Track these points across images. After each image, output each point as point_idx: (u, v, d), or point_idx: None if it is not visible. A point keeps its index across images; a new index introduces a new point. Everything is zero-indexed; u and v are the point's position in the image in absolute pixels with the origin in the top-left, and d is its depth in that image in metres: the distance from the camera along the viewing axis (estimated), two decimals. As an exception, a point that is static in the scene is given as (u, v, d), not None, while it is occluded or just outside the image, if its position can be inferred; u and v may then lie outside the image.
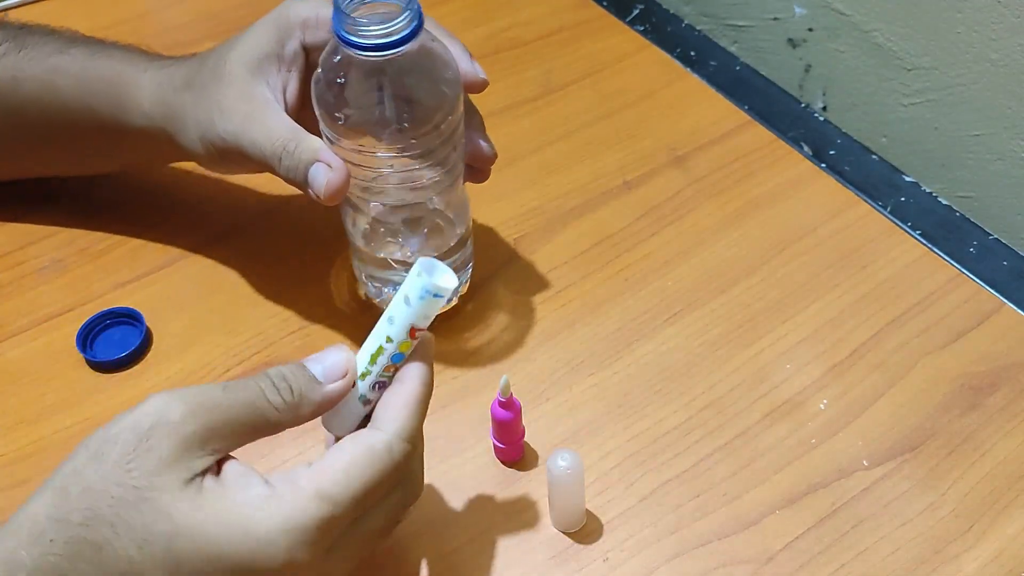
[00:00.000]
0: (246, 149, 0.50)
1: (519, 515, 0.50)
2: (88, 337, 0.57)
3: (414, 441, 0.40)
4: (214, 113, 0.51)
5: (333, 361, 0.40)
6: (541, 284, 0.61)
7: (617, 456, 0.52)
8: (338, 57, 0.48)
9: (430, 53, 0.49)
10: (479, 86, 0.52)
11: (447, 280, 0.40)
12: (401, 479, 0.40)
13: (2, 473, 0.52)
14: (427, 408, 0.41)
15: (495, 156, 0.55)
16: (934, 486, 0.50)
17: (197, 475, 0.36)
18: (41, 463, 0.52)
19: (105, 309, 0.58)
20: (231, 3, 0.83)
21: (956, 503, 0.50)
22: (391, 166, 0.50)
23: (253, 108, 0.50)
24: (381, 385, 0.41)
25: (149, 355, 0.57)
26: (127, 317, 0.58)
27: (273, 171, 0.50)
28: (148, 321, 0.58)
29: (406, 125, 0.49)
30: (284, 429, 0.39)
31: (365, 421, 0.42)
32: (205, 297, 0.60)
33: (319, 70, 0.49)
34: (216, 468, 0.37)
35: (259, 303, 0.59)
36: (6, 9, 0.83)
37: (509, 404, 0.49)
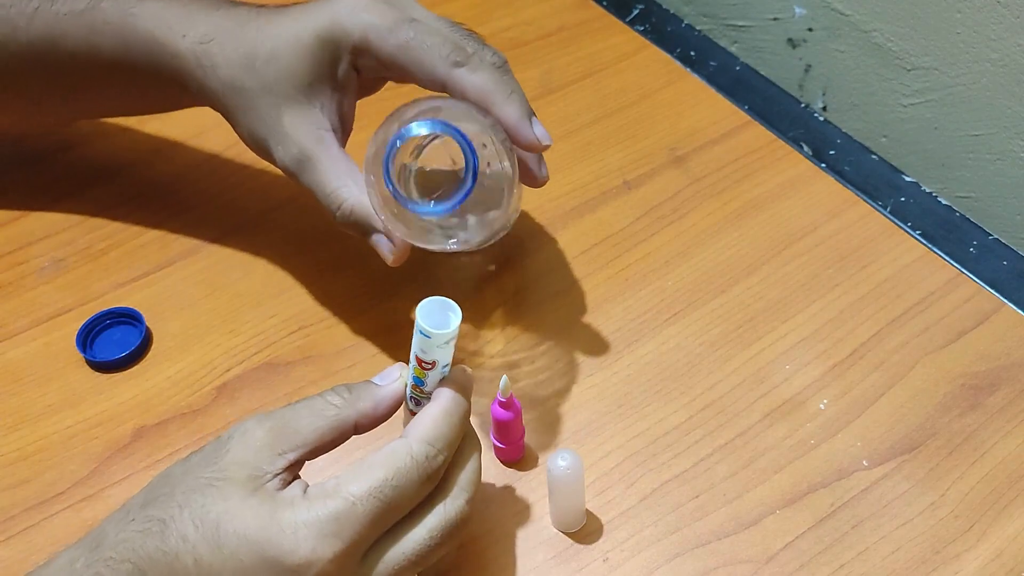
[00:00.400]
0: (306, 184, 0.50)
1: (519, 515, 0.50)
2: (88, 337, 0.57)
3: (438, 446, 0.41)
4: (273, 126, 0.51)
5: (387, 369, 0.45)
6: (541, 284, 0.61)
7: (617, 456, 0.52)
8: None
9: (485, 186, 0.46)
10: (535, 147, 0.47)
11: (434, 322, 0.42)
12: (436, 490, 0.42)
13: (2, 473, 0.52)
14: (458, 422, 0.43)
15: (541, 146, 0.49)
16: (934, 486, 0.50)
17: (266, 474, 0.40)
18: (41, 463, 0.52)
19: (105, 309, 0.58)
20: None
21: (956, 503, 0.50)
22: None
23: (310, 149, 0.50)
24: (415, 402, 0.45)
25: (149, 355, 0.57)
26: (127, 317, 0.58)
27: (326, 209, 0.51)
28: (148, 321, 0.58)
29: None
30: (349, 427, 0.42)
31: None
32: (205, 297, 0.60)
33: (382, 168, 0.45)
34: (286, 481, 0.40)
35: (259, 303, 0.59)
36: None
37: (509, 404, 0.49)
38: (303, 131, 0.50)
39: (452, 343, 0.43)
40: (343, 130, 0.52)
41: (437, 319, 0.42)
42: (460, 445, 0.43)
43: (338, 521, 0.38)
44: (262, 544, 0.38)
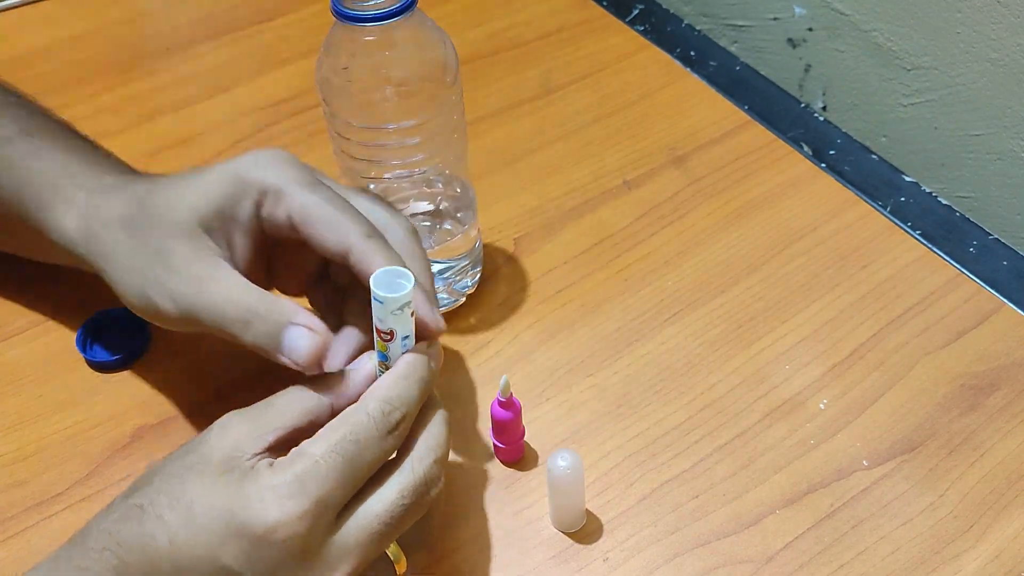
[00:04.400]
0: (204, 315, 0.44)
1: (519, 515, 0.50)
2: (88, 337, 0.57)
3: (394, 403, 0.41)
4: (159, 269, 0.45)
5: (360, 356, 0.45)
6: (541, 284, 0.61)
7: (617, 456, 0.52)
8: (338, 37, 0.50)
9: (423, 29, 0.51)
10: (434, 334, 0.45)
11: (387, 288, 0.42)
12: (402, 450, 0.42)
13: (2, 473, 0.52)
14: (416, 384, 0.42)
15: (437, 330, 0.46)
16: (934, 486, 0.50)
17: (243, 457, 0.40)
18: (41, 463, 0.52)
19: (105, 309, 0.58)
20: (231, 3, 0.83)
21: (956, 503, 0.50)
22: (394, 140, 0.52)
23: (208, 268, 0.44)
24: None
25: (149, 355, 0.57)
26: (127, 317, 0.57)
27: (234, 338, 0.44)
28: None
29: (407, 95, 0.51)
30: (326, 408, 0.42)
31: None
32: (205, 297, 0.60)
33: (321, 54, 0.51)
34: (268, 461, 0.40)
35: (259, 303, 0.59)
36: (6, 9, 0.83)
37: (509, 404, 0.49)
38: (197, 257, 0.45)
39: (407, 311, 0.42)
40: (245, 274, 0.46)
41: (391, 287, 0.42)
42: (423, 409, 0.43)
43: (301, 480, 0.38)
44: (231, 514, 0.38)
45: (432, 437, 0.43)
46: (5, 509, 0.51)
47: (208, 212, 0.45)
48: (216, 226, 0.45)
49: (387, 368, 0.44)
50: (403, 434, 0.42)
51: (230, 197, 0.46)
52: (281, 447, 0.41)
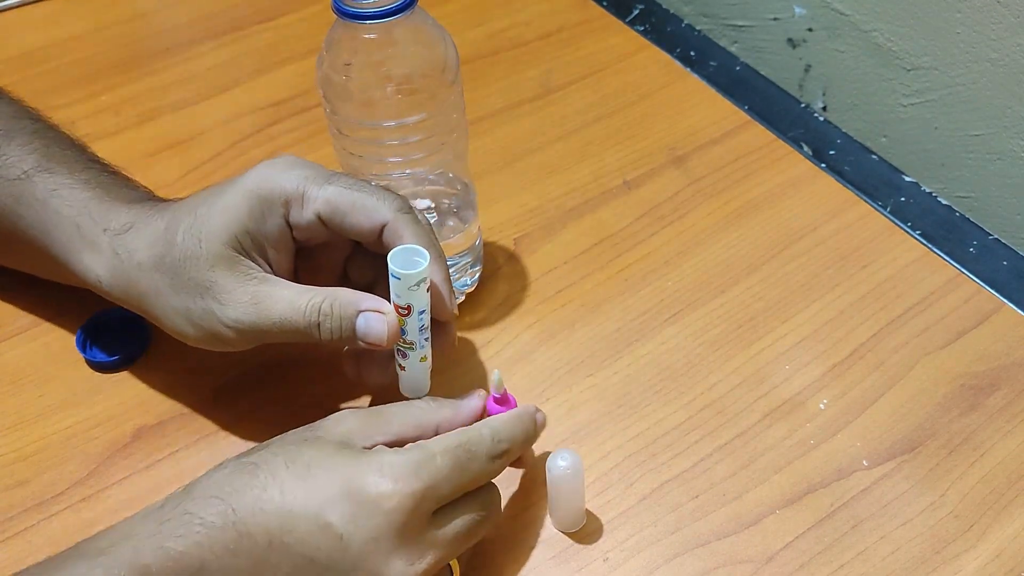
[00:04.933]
0: (270, 330, 0.47)
1: (519, 515, 0.50)
2: (87, 338, 0.57)
3: (506, 438, 0.46)
4: (208, 302, 0.47)
5: (470, 392, 0.49)
6: (541, 284, 0.61)
7: (617, 456, 0.52)
8: (339, 35, 0.50)
9: (424, 27, 0.51)
10: (450, 317, 0.49)
11: (404, 265, 0.45)
12: (486, 480, 0.46)
13: (1, 473, 0.52)
14: (525, 432, 0.47)
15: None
16: (934, 486, 0.50)
17: (355, 446, 0.44)
18: (40, 463, 0.52)
19: (104, 310, 0.58)
20: (231, 3, 0.83)
21: (956, 503, 0.50)
22: (397, 140, 0.52)
23: (257, 289, 0.47)
24: (401, 354, 0.48)
25: (149, 355, 0.57)
26: (126, 318, 0.57)
27: (308, 339, 0.47)
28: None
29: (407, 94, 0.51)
30: (431, 427, 0.46)
31: None
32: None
33: (322, 52, 0.51)
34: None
35: (259, 303, 0.59)
36: (6, 9, 0.83)
37: (504, 400, 0.49)
38: (242, 282, 0.47)
39: (423, 287, 0.46)
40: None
41: (408, 264, 0.45)
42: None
43: (419, 466, 0.42)
44: (349, 476, 0.41)
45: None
46: (5, 509, 0.50)
47: (239, 236, 0.47)
48: (249, 245, 0.47)
49: (404, 342, 0.47)
50: (504, 466, 0.46)
51: (256, 215, 0.47)
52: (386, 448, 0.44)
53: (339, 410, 0.47)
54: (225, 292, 0.47)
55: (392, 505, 0.41)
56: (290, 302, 0.46)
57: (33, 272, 0.58)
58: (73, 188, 0.52)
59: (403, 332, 0.47)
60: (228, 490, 0.42)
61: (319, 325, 0.46)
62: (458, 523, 0.43)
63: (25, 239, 0.53)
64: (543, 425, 0.49)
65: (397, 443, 0.45)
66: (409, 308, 0.46)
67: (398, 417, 0.46)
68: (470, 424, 0.47)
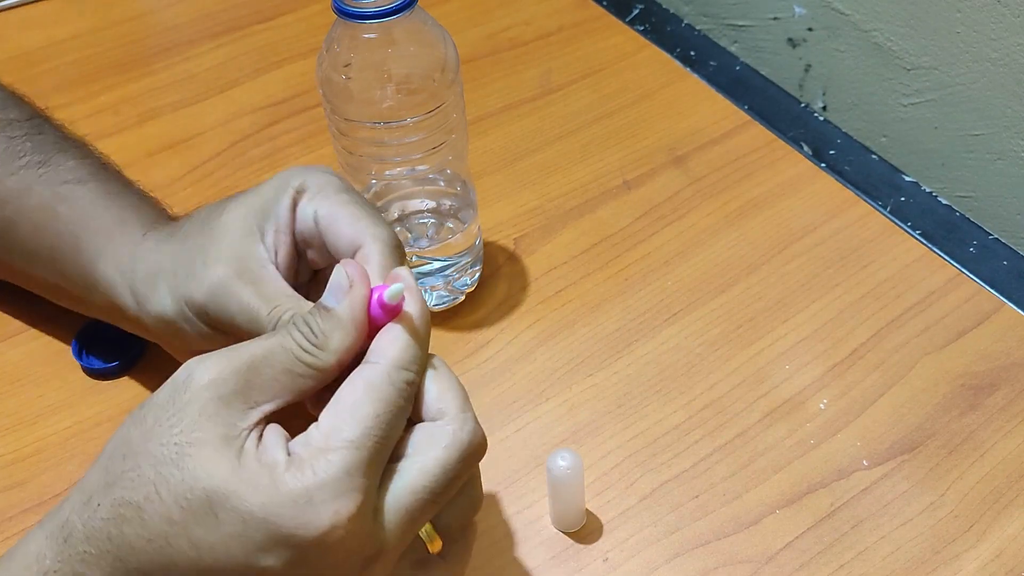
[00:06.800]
0: (231, 308, 0.42)
1: (519, 515, 0.50)
2: (83, 346, 0.57)
3: (413, 369, 0.38)
4: (196, 264, 0.44)
5: (334, 281, 0.38)
6: (541, 284, 0.61)
7: (617, 456, 0.52)
8: (339, 35, 0.50)
9: (424, 27, 0.51)
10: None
11: None
12: (414, 413, 0.38)
13: (1, 474, 0.52)
14: (426, 341, 0.39)
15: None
16: (934, 486, 0.50)
17: (241, 432, 0.36)
18: (39, 464, 0.52)
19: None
20: (231, 3, 0.83)
21: (956, 503, 0.50)
22: (397, 139, 0.52)
23: (247, 265, 0.43)
24: None
25: (147, 355, 0.57)
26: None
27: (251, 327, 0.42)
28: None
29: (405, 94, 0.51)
30: (323, 371, 0.38)
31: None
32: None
33: (322, 52, 0.51)
34: (260, 432, 0.36)
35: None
36: (6, 9, 0.83)
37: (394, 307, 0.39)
38: (237, 254, 0.44)
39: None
40: (284, 275, 0.45)
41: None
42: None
43: (349, 474, 0.34)
44: (273, 520, 0.34)
45: (456, 389, 0.39)
46: (4, 510, 0.50)
47: (254, 210, 0.45)
48: (263, 224, 0.45)
49: None
50: (412, 397, 0.38)
51: (272, 198, 0.45)
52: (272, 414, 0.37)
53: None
54: (216, 255, 0.44)
55: (337, 537, 0.34)
56: (264, 289, 0.42)
57: (33, 279, 0.56)
58: (130, 192, 0.52)
59: None
60: (120, 544, 0.35)
61: (274, 326, 0.41)
62: (410, 495, 0.36)
63: (55, 238, 0.51)
64: (420, 294, 0.39)
65: (288, 409, 0.37)
66: None
67: (286, 379, 0.37)
68: (358, 308, 0.38)
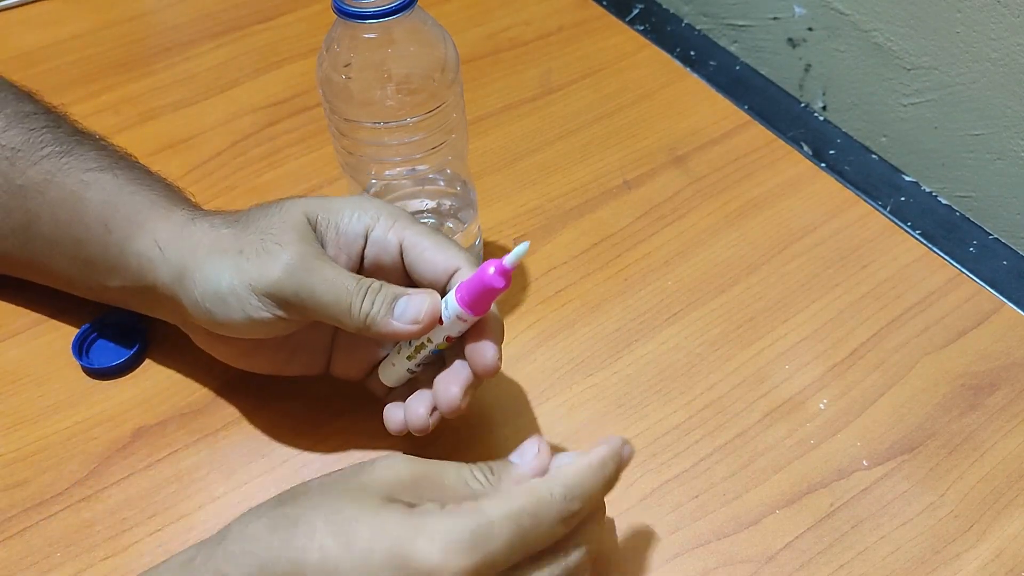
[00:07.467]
0: (311, 281, 0.45)
1: (519, 515, 0.50)
2: (84, 344, 0.57)
3: (579, 496, 0.40)
4: (268, 244, 0.46)
5: (524, 444, 0.44)
6: (541, 284, 0.61)
7: (617, 456, 0.52)
8: (339, 35, 0.50)
9: (424, 27, 0.51)
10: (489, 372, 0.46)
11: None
12: (567, 538, 0.41)
13: (2, 473, 0.52)
14: (603, 483, 0.42)
15: (494, 367, 0.46)
16: (934, 486, 0.50)
17: (401, 502, 0.39)
18: (40, 463, 0.52)
19: (99, 317, 0.57)
20: (231, 3, 0.83)
21: (956, 503, 0.50)
22: (397, 140, 0.52)
23: (321, 252, 0.46)
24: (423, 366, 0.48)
25: (148, 355, 0.57)
26: (121, 324, 0.57)
27: (339, 321, 0.45)
28: (144, 324, 0.58)
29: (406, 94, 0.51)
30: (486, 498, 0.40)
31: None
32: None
33: (322, 52, 0.51)
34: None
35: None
36: (6, 9, 0.83)
37: (505, 276, 0.43)
38: (302, 250, 0.46)
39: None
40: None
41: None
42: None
43: (474, 536, 0.37)
44: (395, 543, 0.37)
45: (592, 532, 0.42)
46: (5, 509, 0.50)
47: (320, 213, 0.47)
48: (324, 226, 0.47)
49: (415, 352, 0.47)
50: (573, 525, 0.41)
51: (344, 210, 0.47)
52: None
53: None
54: (282, 245, 0.45)
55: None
56: (334, 279, 0.45)
57: (50, 270, 0.56)
58: (155, 180, 0.53)
59: (431, 338, 0.46)
60: (264, 546, 0.39)
61: (360, 301, 0.45)
62: None
63: (79, 226, 0.51)
64: (629, 459, 0.43)
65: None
66: (450, 338, 0.46)
67: (451, 479, 0.41)
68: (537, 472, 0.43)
